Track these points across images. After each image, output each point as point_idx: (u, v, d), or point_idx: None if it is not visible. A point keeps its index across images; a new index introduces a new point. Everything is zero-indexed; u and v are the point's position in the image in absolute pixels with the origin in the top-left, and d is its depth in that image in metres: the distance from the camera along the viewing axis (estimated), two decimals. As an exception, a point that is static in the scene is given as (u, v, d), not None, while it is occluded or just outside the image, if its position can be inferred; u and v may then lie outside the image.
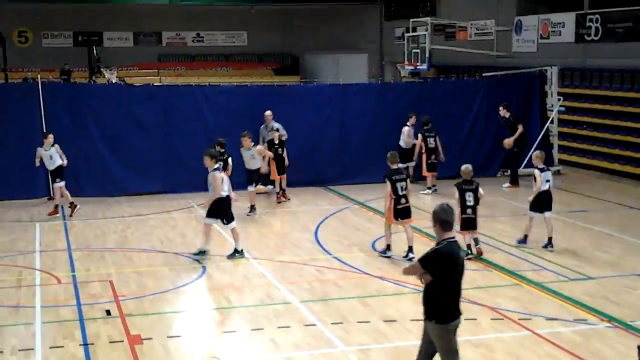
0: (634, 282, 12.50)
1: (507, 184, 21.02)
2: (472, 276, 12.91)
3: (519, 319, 10.74)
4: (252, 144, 17.68)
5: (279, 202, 19.04)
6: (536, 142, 22.59)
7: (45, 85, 19.98)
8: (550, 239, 14.45)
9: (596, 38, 24.46)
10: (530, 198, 14.69)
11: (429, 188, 20.18)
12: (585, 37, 24.90)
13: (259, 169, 17.78)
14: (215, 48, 44.96)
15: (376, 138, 21.26)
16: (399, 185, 13.81)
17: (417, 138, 20.52)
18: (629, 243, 15.03)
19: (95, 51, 40.48)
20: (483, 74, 25.02)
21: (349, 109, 21.63)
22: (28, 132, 19.23)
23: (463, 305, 11.22)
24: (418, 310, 11.01)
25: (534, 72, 23.74)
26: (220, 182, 13.68)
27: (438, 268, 7.42)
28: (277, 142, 19.10)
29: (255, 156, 17.67)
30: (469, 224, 13.75)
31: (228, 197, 13.98)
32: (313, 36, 43.20)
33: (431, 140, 20.21)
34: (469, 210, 13.70)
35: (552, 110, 23.29)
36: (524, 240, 14.80)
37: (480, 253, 13.92)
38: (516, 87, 23.30)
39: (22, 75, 36.24)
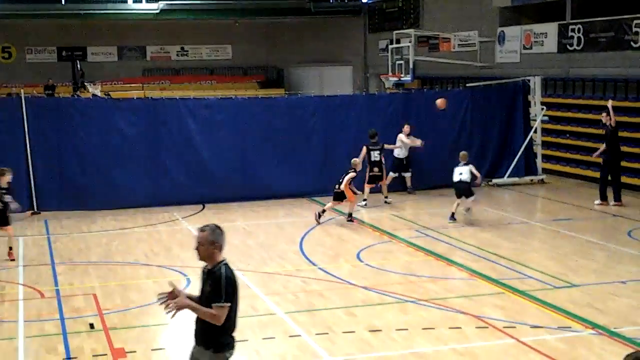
0: (618, 289, 12.54)
1: (599, 201, 19.62)
2: (457, 285, 12.94)
3: (504, 327, 10.74)
4: None
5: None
6: (520, 152, 22.70)
7: (29, 100, 19.91)
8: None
9: (579, 48, 24.63)
10: None
11: (365, 200, 19.82)
12: (568, 47, 25.06)
13: None
14: (200, 62, 44.98)
15: (359, 150, 21.24)
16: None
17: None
18: (613, 251, 15.09)
19: (79, 66, 40.39)
20: (467, 85, 25.12)
21: (334, 121, 21.66)
22: (11, 147, 19.15)
23: (448, 314, 11.33)
24: (403, 320, 11.10)
25: (517, 82, 23.85)
26: None
27: (235, 294, 6.88)
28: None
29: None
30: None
31: None
32: (297, 49, 43.31)
33: (375, 154, 19.72)
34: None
35: (535, 120, 23.40)
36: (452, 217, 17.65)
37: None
38: (500, 97, 23.43)
39: (6, 91, 36.15)
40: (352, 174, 17.91)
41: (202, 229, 6.99)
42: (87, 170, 19.88)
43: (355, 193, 18.08)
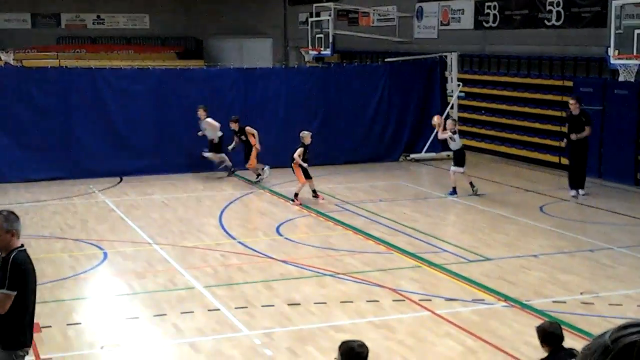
0: (529, 262, 12.91)
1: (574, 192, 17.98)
2: (374, 258, 13.13)
3: (420, 300, 10.96)
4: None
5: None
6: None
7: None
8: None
9: (494, 25, 25.05)
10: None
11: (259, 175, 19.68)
12: (484, 23, 25.47)
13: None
14: (117, 31, 44.03)
15: (279, 123, 21.28)
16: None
17: None
18: (525, 225, 15.51)
19: (-10, 33, 39.11)
20: (385, 60, 25.31)
21: (253, 94, 21.58)
22: None
23: (366, 287, 11.50)
24: (321, 294, 11.22)
25: (435, 58, 24.16)
26: None
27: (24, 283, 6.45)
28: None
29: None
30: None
31: None
32: (217, 20, 42.81)
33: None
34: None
35: (452, 96, 23.77)
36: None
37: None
38: (417, 72, 23.70)
39: None
40: (299, 149, 17.18)
41: None
42: (1, 141, 19.33)
43: (308, 177, 17.30)
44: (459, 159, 18.19)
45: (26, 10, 42.06)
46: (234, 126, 19.50)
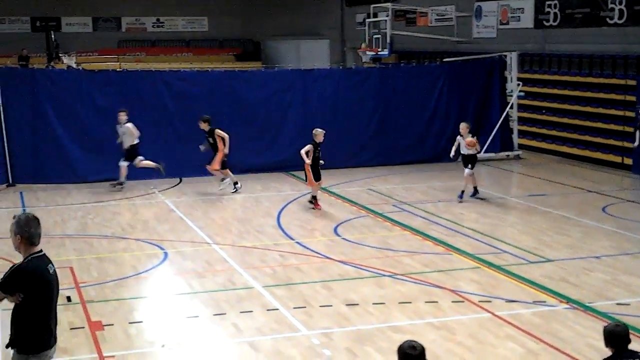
0: (591, 264, 12.68)
1: None
2: (433, 259, 13.04)
3: (479, 301, 10.85)
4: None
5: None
6: (496, 127, 22.79)
7: (3, 71, 19.71)
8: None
9: (555, 23, 24.69)
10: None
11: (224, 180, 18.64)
12: (544, 22, 25.12)
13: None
14: (176, 33, 44.61)
15: (337, 123, 21.29)
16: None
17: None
18: (587, 226, 15.25)
19: (53, 36, 39.90)
20: (443, 60, 25.14)
21: (311, 94, 21.63)
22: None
23: (425, 288, 11.42)
24: (380, 294, 11.18)
25: (494, 57, 23.92)
26: None
27: (25, 288, 6.31)
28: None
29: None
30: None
31: None
32: (274, 22, 43.05)
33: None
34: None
35: (511, 96, 23.51)
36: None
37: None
38: (476, 72, 23.48)
39: (-22, 61, 35.65)
40: (307, 146, 16.50)
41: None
42: (62, 142, 19.71)
43: (317, 179, 16.58)
44: (471, 161, 17.62)
45: (88, 14, 42.85)
46: (204, 126, 18.28)
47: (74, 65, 34.70)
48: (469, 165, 17.48)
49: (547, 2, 24.95)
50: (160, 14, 44.02)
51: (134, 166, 18.79)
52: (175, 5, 43.46)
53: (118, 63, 39.53)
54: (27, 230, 6.29)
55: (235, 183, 18.62)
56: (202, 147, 18.59)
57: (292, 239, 14.48)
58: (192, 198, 18.24)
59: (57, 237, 14.66)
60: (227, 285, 11.75)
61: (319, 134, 16.70)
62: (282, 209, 16.95)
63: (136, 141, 18.66)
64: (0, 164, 19.05)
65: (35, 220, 6.37)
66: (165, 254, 13.47)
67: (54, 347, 6.64)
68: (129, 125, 18.56)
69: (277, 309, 10.65)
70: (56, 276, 6.56)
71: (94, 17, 43.16)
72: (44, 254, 6.46)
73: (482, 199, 17.60)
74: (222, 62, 40.98)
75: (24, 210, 16.85)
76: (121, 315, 10.48)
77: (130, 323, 10.22)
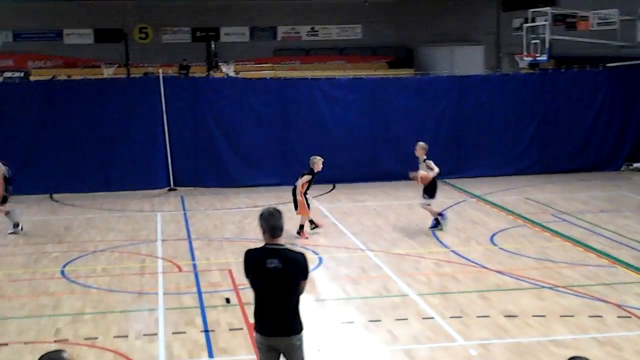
0: None
1: None
2: (596, 272, 12.50)
3: (648, 317, 10.31)
4: None
5: None
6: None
7: (166, 80, 20.49)
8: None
9: None
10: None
11: None
12: None
13: None
14: (330, 42, 45.06)
15: (494, 130, 20.88)
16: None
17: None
18: None
19: (212, 46, 41.22)
20: (606, 65, 24.17)
21: (466, 101, 21.31)
22: (150, 125, 19.82)
23: (588, 302, 10.94)
24: (540, 306, 10.80)
25: (661, 62, 22.80)
26: None
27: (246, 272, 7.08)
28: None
29: None
30: None
31: None
32: (427, 28, 42.73)
33: None
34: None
35: (679, 102, 22.32)
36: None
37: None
38: (641, 78, 22.46)
39: (142, 71, 37.21)
40: (306, 177, 15.00)
41: None
42: (221, 148, 20.29)
43: (308, 207, 15.10)
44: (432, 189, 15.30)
45: (245, 24, 44.00)
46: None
47: (233, 74, 35.71)
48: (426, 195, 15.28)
49: None
50: (315, 22, 44.60)
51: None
52: (330, 13, 43.93)
53: (274, 72, 40.39)
54: (266, 223, 6.84)
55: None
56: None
57: (446, 247, 14.27)
58: (345, 204, 18.32)
59: (216, 240, 15.06)
60: (381, 292, 11.69)
61: (317, 162, 14.97)
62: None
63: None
64: (163, 168, 19.83)
65: (276, 214, 6.87)
66: (320, 259, 13.56)
67: (266, 338, 6.98)
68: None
69: (433, 318, 10.48)
70: (278, 270, 6.81)
71: (251, 27, 44.27)
72: (269, 247, 6.92)
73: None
74: (375, 70, 41.05)
75: (185, 212, 17.44)
76: (278, 319, 10.58)
77: (286, 326, 10.30)
